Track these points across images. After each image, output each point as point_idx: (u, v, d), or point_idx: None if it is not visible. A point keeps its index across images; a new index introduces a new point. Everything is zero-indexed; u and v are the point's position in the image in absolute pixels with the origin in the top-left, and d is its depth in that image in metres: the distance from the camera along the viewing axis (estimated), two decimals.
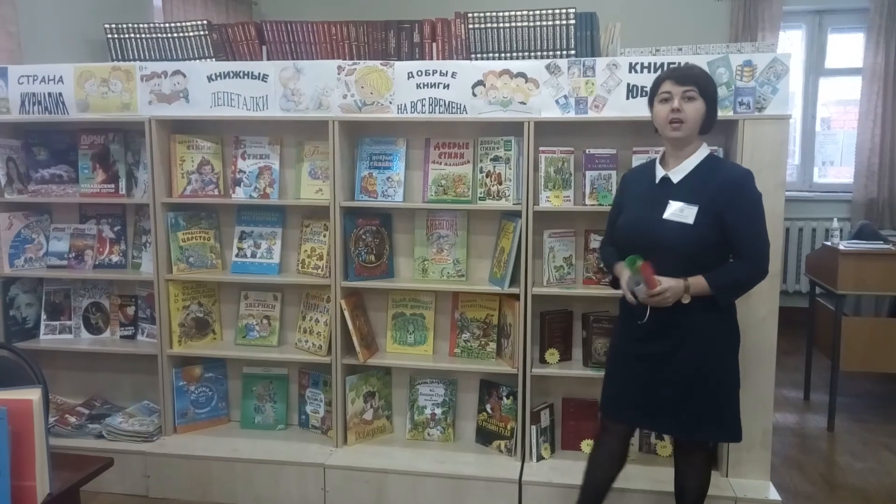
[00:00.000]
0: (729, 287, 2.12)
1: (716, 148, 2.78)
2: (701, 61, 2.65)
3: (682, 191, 2.12)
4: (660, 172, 2.19)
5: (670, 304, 2.08)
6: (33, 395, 1.54)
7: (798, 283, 5.66)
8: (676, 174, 2.16)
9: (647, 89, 2.66)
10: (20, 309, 3.25)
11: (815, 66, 5.78)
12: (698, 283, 2.07)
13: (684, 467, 2.34)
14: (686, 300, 2.08)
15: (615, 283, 2.34)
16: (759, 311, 2.70)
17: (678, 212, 2.09)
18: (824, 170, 5.98)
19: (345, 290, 2.97)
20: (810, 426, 3.78)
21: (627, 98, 2.71)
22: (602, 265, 2.38)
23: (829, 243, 3.88)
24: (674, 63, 2.67)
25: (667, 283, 2.05)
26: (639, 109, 2.70)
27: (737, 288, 2.15)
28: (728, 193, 2.08)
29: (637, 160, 2.81)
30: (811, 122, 5.83)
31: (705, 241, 2.08)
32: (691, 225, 2.07)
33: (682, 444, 2.33)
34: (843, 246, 3.69)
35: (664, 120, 2.11)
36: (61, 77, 3.03)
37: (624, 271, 2.15)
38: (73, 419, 3.16)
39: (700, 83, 2.10)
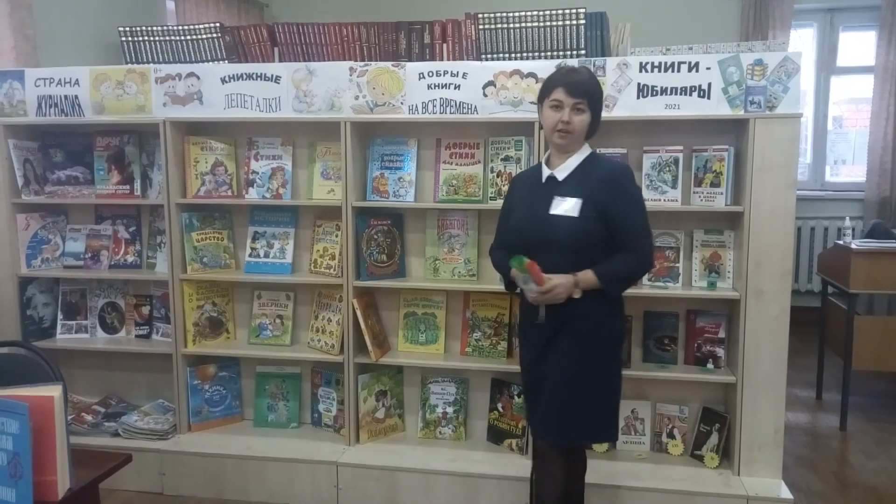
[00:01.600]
0: (617, 279, 2.16)
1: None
2: (711, 60, 2.66)
3: (566, 187, 2.18)
4: (545, 172, 2.24)
5: (562, 299, 2.10)
6: (54, 391, 1.58)
7: (810, 282, 5.64)
8: (561, 172, 2.21)
9: (658, 89, 2.70)
10: (37, 308, 3.29)
11: (827, 65, 5.76)
12: (587, 277, 2.11)
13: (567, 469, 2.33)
14: (577, 295, 2.11)
15: (511, 286, 2.33)
16: (771, 309, 2.70)
17: (562, 206, 2.14)
18: (836, 168, 5.95)
19: (357, 290, 2.99)
20: (822, 425, 3.77)
21: (638, 97, 2.72)
22: (500, 271, 2.39)
23: (841, 242, 3.87)
24: (683, 62, 2.68)
25: (556, 280, 2.08)
26: (649, 109, 2.71)
27: (624, 280, 2.20)
28: (608, 188, 2.14)
29: (648, 160, 2.83)
30: (823, 120, 5.81)
31: (590, 234, 2.13)
32: (576, 217, 2.11)
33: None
34: (855, 245, 3.67)
35: (552, 127, 2.17)
36: (77, 80, 3.07)
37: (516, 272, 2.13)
38: (89, 417, 3.20)
39: (590, 96, 2.16)
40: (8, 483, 1.52)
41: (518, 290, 2.26)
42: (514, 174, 2.88)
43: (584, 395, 2.17)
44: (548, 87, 2.19)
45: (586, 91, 2.15)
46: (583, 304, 2.13)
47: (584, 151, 2.24)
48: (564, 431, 2.21)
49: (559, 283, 2.08)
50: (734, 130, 2.82)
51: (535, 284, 2.07)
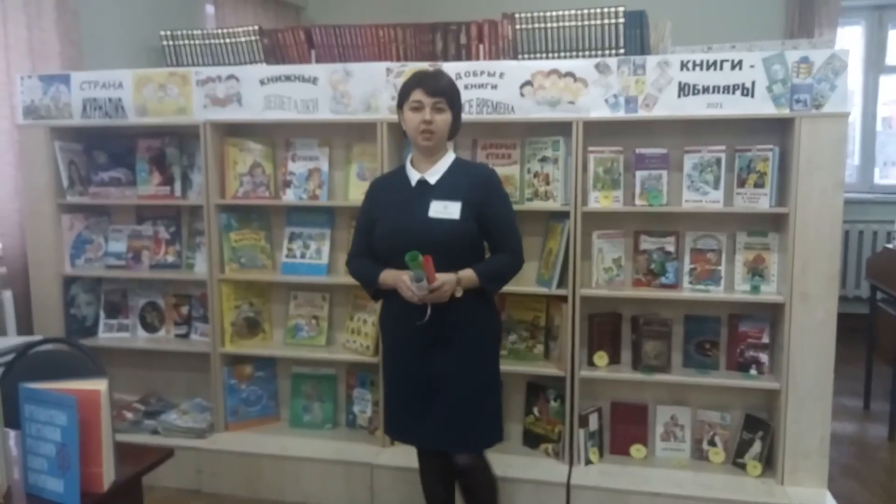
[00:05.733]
0: (495, 277, 2.23)
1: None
2: (755, 58, 2.60)
3: (442, 190, 2.20)
4: (415, 176, 2.24)
5: (447, 298, 2.12)
6: (100, 385, 1.60)
7: (858, 287, 5.46)
8: (432, 176, 2.23)
9: (700, 87, 2.65)
10: (80, 307, 3.36)
11: (876, 64, 5.58)
12: (468, 275, 2.16)
13: (471, 483, 2.30)
14: (459, 293, 2.14)
15: (378, 295, 2.31)
16: (817, 313, 2.62)
17: (442, 209, 2.16)
18: (886, 170, 5.77)
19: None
20: (870, 435, 3.65)
21: (679, 97, 2.66)
22: (364, 279, 2.32)
23: (890, 246, 3.75)
24: (726, 60, 2.62)
25: (443, 277, 2.09)
26: (691, 108, 2.66)
27: (501, 278, 2.26)
28: (484, 190, 2.22)
29: (689, 160, 2.77)
30: (871, 121, 5.63)
31: (469, 235, 2.18)
32: (458, 219, 2.15)
33: (466, 461, 2.27)
34: None
35: (415, 129, 2.18)
36: (121, 83, 3.13)
37: (402, 273, 2.11)
38: (129, 415, 3.25)
39: (448, 95, 2.19)
40: (56, 474, 1.56)
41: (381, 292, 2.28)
42: (551, 175, 2.86)
43: (483, 399, 2.24)
44: (405, 90, 2.21)
45: (443, 90, 2.18)
46: (467, 307, 2.17)
47: (451, 155, 2.28)
48: (468, 438, 2.22)
49: (446, 280, 2.10)
50: (778, 130, 2.74)
51: (426, 282, 2.06)
